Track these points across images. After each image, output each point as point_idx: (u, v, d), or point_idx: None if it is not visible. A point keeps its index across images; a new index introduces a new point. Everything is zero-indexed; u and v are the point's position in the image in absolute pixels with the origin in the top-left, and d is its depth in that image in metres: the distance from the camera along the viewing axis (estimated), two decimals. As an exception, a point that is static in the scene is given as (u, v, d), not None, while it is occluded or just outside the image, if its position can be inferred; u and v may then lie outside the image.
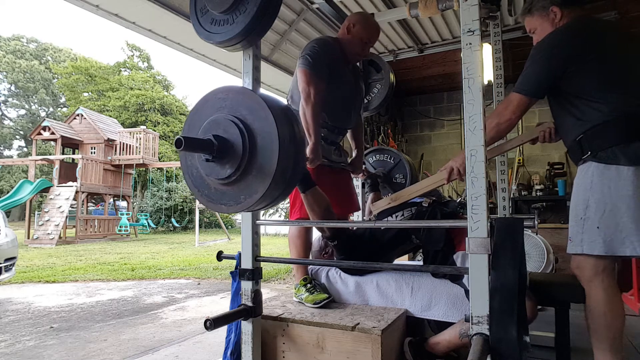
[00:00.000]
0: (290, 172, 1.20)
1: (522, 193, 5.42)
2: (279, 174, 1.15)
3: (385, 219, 2.02)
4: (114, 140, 15.04)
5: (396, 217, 2.00)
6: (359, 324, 1.53)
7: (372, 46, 2.10)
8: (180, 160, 1.36)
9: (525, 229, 1.21)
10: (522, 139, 1.99)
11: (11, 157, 28.89)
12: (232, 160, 1.18)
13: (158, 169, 18.44)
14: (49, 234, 11.84)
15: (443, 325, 1.72)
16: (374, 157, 2.63)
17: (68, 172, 13.86)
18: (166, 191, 18.87)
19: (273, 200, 1.26)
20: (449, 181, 1.73)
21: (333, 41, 2.01)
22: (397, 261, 2.17)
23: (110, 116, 19.86)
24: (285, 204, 15.58)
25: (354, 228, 2.07)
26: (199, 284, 5.70)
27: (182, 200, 18.79)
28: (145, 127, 17.20)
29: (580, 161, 1.60)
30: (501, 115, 1.63)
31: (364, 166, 2.40)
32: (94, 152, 14.91)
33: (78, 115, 15.39)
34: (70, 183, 13.27)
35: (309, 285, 1.86)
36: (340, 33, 2.06)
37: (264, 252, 1.56)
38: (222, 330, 1.68)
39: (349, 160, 2.27)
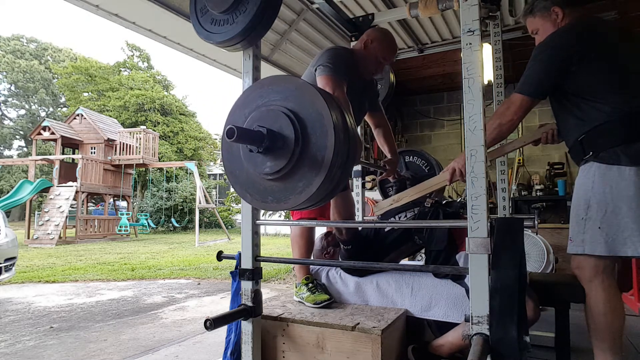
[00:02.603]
0: (345, 163, 1.11)
1: (522, 193, 5.42)
2: (335, 164, 1.06)
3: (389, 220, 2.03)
4: (114, 140, 15.03)
5: (399, 218, 2.00)
6: (359, 324, 1.53)
7: (387, 65, 2.04)
8: (224, 161, 1.28)
9: (525, 229, 1.21)
10: (524, 140, 1.98)
11: (11, 157, 28.88)
12: (283, 153, 1.10)
13: (158, 169, 18.42)
14: (49, 234, 11.83)
15: (443, 327, 1.73)
16: (409, 157, 2.59)
17: (68, 172, 13.85)
18: (166, 191, 18.86)
19: (329, 192, 1.16)
20: (451, 182, 1.73)
21: (347, 53, 1.95)
22: (397, 261, 2.17)
23: (110, 116, 19.83)
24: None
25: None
26: (199, 284, 5.70)
27: (182, 200, 18.77)
28: (145, 127, 17.18)
29: (581, 161, 1.60)
30: (503, 116, 1.63)
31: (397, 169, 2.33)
32: (94, 152, 14.90)
33: (78, 115, 15.38)
34: (70, 183, 13.26)
35: (310, 285, 1.86)
36: (357, 46, 2.01)
37: (264, 252, 1.56)
38: (222, 330, 1.68)
39: (381, 162, 2.25)
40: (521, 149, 5.58)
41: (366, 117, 2.26)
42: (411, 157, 2.58)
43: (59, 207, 12.42)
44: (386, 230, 1.99)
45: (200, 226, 15.01)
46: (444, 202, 2.07)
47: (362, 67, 1.97)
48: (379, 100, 2.29)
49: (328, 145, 1.05)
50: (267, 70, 4.21)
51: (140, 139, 15.14)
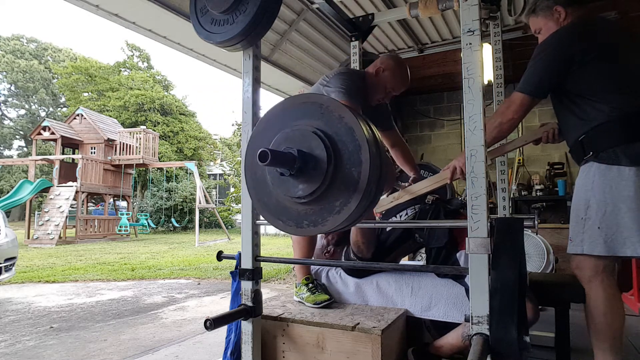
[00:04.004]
0: (379, 177, 1.07)
1: (522, 193, 5.42)
2: (372, 179, 1.03)
3: (390, 218, 2.03)
4: (114, 140, 15.04)
5: (400, 216, 2.00)
6: (359, 324, 1.53)
7: (395, 95, 2.04)
8: (249, 190, 1.22)
9: (525, 229, 1.21)
10: (525, 139, 1.97)
11: (11, 157, 28.87)
12: (316, 173, 1.06)
13: (158, 169, 18.43)
14: (49, 234, 11.84)
15: (441, 328, 1.73)
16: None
17: (68, 172, 13.86)
18: (166, 191, 18.87)
19: (366, 208, 1.13)
20: (451, 180, 1.73)
21: (359, 77, 1.93)
22: (397, 261, 2.17)
23: (110, 116, 19.84)
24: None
25: None
26: (199, 284, 5.70)
27: (182, 200, 18.78)
28: (145, 127, 17.19)
29: (582, 161, 1.60)
30: (504, 115, 1.63)
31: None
32: (94, 152, 14.91)
33: (78, 115, 15.39)
34: (70, 183, 13.27)
35: (310, 285, 1.86)
36: (370, 69, 2.00)
37: (264, 252, 1.56)
38: (222, 330, 1.68)
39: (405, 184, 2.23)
40: (521, 148, 5.57)
41: (382, 137, 2.24)
42: (421, 170, 2.56)
43: (59, 207, 12.42)
44: (387, 230, 1.99)
45: (200, 226, 15.01)
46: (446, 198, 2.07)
47: (371, 92, 1.96)
48: (391, 118, 2.27)
49: (363, 160, 1.02)
50: (267, 70, 4.22)
51: (140, 139, 15.15)
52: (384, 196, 2.15)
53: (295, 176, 1.08)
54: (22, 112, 31.57)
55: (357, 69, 2.67)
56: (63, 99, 30.15)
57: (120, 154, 15.04)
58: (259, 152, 1.00)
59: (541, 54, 1.60)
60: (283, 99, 1.22)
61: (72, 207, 13.25)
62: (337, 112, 1.08)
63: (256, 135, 1.22)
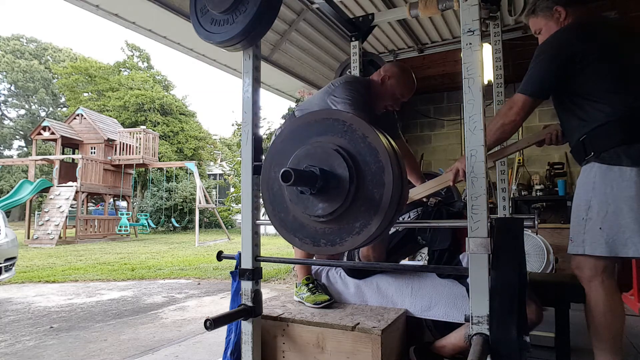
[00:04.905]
0: (399, 198, 1.05)
1: (522, 193, 5.42)
2: (394, 200, 1.01)
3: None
4: (114, 140, 15.04)
5: (403, 219, 2.00)
6: (359, 324, 1.53)
7: (405, 101, 2.03)
8: (265, 204, 1.20)
9: (525, 229, 1.21)
10: (528, 141, 1.96)
11: (11, 157, 28.86)
12: (337, 192, 1.04)
13: (158, 169, 18.43)
14: (49, 234, 11.83)
15: (443, 328, 1.73)
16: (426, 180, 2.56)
17: (68, 172, 13.86)
18: (166, 191, 18.86)
19: (385, 228, 1.11)
20: (454, 182, 1.73)
21: (364, 86, 1.92)
22: (397, 261, 2.16)
23: (110, 116, 19.84)
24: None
25: None
26: (199, 284, 5.70)
27: (182, 200, 18.78)
28: (145, 127, 17.19)
29: (583, 162, 1.60)
30: (506, 117, 1.62)
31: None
32: (94, 152, 14.91)
33: (78, 115, 15.39)
34: (70, 183, 13.26)
35: (310, 285, 1.86)
36: (375, 77, 2.00)
37: (264, 252, 1.56)
38: (222, 330, 1.68)
39: None
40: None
41: None
42: (427, 180, 2.55)
43: (59, 207, 12.42)
44: (390, 232, 1.98)
45: (200, 226, 15.01)
46: (452, 201, 2.07)
47: (377, 100, 1.96)
48: (398, 127, 2.26)
49: (386, 181, 1.00)
50: (267, 70, 4.22)
51: (140, 139, 15.14)
52: None
53: (315, 195, 1.06)
54: (22, 112, 31.57)
55: (359, 71, 2.67)
56: (63, 99, 30.15)
57: (120, 154, 15.03)
58: (282, 171, 0.97)
59: (542, 55, 1.60)
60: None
61: (72, 207, 13.25)
62: (360, 131, 1.05)
63: (274, 149, 1.20)
